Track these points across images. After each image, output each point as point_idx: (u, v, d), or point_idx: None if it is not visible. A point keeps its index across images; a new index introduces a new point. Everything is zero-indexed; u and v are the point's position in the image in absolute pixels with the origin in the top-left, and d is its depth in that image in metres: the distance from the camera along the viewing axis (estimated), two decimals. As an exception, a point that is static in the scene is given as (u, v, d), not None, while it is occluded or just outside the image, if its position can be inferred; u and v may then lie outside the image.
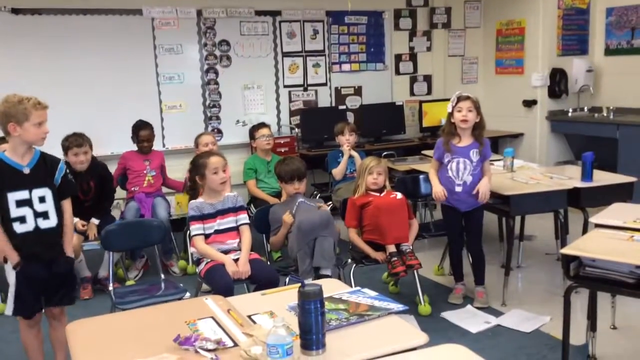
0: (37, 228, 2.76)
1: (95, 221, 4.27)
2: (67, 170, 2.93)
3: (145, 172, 4.86)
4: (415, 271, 3.73)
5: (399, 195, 3.74)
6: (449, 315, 3.70)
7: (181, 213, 5.29)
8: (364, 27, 6.62)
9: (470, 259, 4.00)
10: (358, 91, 6.66)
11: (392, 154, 5.86)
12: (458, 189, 3.76)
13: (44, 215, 2.78)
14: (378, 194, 3.76)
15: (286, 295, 2.21)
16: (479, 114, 3.75)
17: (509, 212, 3.90)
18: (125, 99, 5.55)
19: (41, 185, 2.77)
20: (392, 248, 3.63)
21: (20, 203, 2.72)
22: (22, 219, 2.73)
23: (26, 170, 2.75)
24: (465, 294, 3.95)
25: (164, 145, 5.73)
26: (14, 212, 2.72)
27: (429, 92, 7.04)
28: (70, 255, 2.92)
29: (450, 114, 3.79)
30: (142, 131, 4.89)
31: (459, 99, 3.75)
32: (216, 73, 5.99)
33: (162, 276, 3.59)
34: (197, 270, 3.51)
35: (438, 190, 3.78)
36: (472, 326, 3.51)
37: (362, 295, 2.20)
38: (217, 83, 6.01)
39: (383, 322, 1.97)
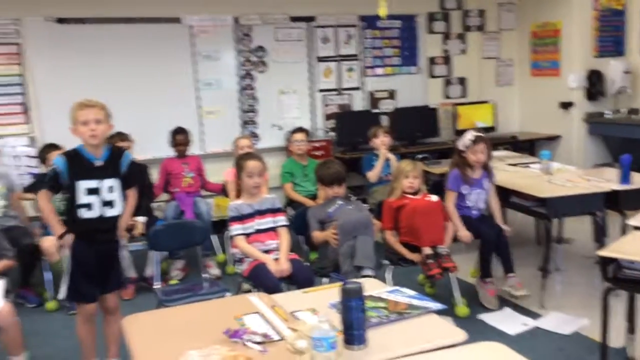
0: (101, 215, 2.92)
1: (141, 219, 4.43)
2: (133, 160, 3.08)
3: (183, 173, 5.06)
4: (452, 273, 3.77)
5: (435, 197, 3.79)
6: (487, 317, 3.71)
7: (220, 215, 5.41)
8: (397, 31, 6.66)
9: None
10: (392, 95, 6.71)
11: (426, 157, 5.88)
12: (474, 213, 4.03)
13: (110, 204, 2.94)
14: (414, 197, 3.81)
15: (327, 294, 2.28)
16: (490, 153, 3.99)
17: (547, 215, 3.91)
18: (165, 105, 5.71)
19: (111, 176, 2.93)
20: (428, 250, 3.67)
21: (89, 191, 2.89)
22: (89, 206, 2.90)
23: (98, 163, 2.92)
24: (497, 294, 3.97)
25: (202, 149, 5.87)
26: (83, 199, 2.89)
27: (464, 94, 7.04)
28: (121, 236, 3.07)
29: (464, 152, 3.95)
30: (178, 135, 5.16)
31: (475, 141, 3.90)
32: (252, 78, 6.12)
33: (204, 275, 3.70)
34: (237, 269, 3.61)
35: (466, 234, 3.90)
36: (510, 328, 3.52)
37: (401, 294, 2.26)
38: (253, 88, 6.13)
39: (422, 320, 2.03)
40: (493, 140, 6.17)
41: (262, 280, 3.28)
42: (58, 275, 4.03)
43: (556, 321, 3.59)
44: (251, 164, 3.53)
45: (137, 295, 4.33)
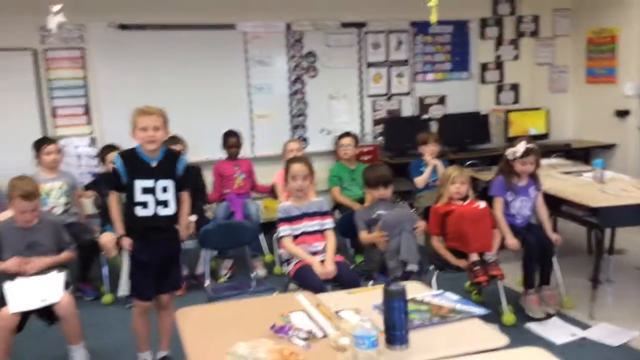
0: (155, 214, 3.05)
1: (192, 217, 4.58)
2: (188, 165, 3.21)
3: (235, 175, 5.20)
4: (499, 281, 3.75)
5: (483, 204, 3.78)
6: (534, 326, 3.68)
7: (268, 217, 5.53)
8: (449, 37, 6.64)
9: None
10: (442, 100, 6.69)
11: (475, 163, 5.85)
12: (519, 221, 4.00)
13: (164, 203, 3.07)
14: (461, 202, 3.81)
15: (371, 295, 2.33)
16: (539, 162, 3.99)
17: (598, 225, 3.84)
18: (218, 108, 5.87)
19: (165, 177, 3.07)
20: (474, 257, 3.67)
21: (145, 190, 3.03)
22: (144, 204, 3.04)
23: (154, 164, 3.06)
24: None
25: (253, 152, 6.01)
26: (139, 197, 3.03)
27: (516, 101, 6.95)
28: (183, 239, 3.20)
29: (512, 161, 3.93)
30: (230, 138, 5.31)
31: (526, 154, 3.89)
32: (303, 83, 6.22)
33: (252, 274, 3.80)
34: (285, 270, 3.70)
35: (514, 242, 3.86)
36: (557, 337, 3.48)
37: (445, 298, 2.29)
38: (303, 93, 6.23)
39: (464, 324, 2.05)
40: (546, 147, 6.10)
41: (306, 281, 3.35)
42: (115, 270, 4.21)
43: (605, 332, 3.52)
44: (295, 167, 3.63)
45: (187, 292, 4.48)
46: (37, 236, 3.27)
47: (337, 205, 5.25)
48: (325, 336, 1.90)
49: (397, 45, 6.47)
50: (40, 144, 4.61)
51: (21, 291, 3.02)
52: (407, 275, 3.54)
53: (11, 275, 3.18)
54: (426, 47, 6.59)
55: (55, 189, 4.52)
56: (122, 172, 3.04)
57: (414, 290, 2.36)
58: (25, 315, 3.03)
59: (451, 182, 3.83)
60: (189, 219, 4.55)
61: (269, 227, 4.98)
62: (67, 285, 3.21)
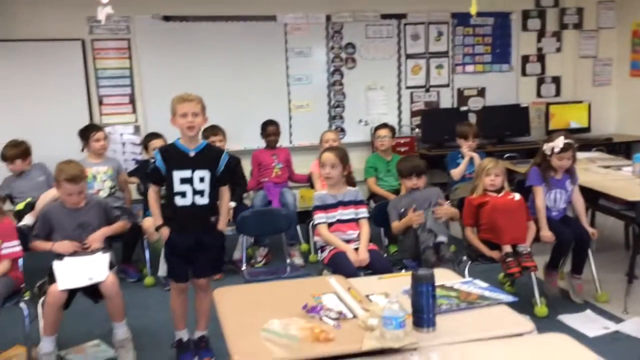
0: (193, 203, 3.16)
1: (231, 204, 4.71)
2: (230, 160, 3.30)
3: (273, 164, 5.30)
4: (532, 273, 3.76)
5: (517, 196, 3.78)
6: (566, 318, 3.68)
7: (305, 206, 5.63)
8: (490, 29, 6.59)
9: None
10: (481, 92, 6.65)
11: (514, 156, 5.82)
12: (554, 214, 3.99)
13: (201, 193, 3.18)
14: (496, 194, 3.82)
15: (401, 280, 2.39)
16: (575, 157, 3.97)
17: (635, 219, 3.81)
18: (258, 99, 5.99)
19: (202, 168, 3.16)
20: (508, 248, 3.68)
21: (183, 180, 3.15)
22: (183, 194, 3.15)
23: (192, 154, 3.17)
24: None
25: (291, 142, 6.11)
26: (177, 187, 3.15)
27: (557, 94, 6.86)
28: (222, 230, 3.31)
29: (549, 155, 3.93)
30: (269, 127, 5.40)
31: (564, 149, 3.87)
32: (341, 74, 6.28)
33: (288, 260, 3.91)
34: (319, 257, 3.79)
35: (548, 235, 3.85)
36: (590, 330, 3.47)
37: (474, 285, 2.34)
38: (341, 84, 6.29)
39: (492, 310, 2.10)
40: (586, 141, 6.03)
41: (340, 268, 3.42)
42: (156, 253, 4.37)
43: (639, 326, 3.50)
44: (324, 156, 3.74)
45: (225, 276, 4.60)
46: (86, 217, 3.43)
47: (372, 196, 5.31)
48: (354, 317, 1.97)
49: (437, 36, 6.46)
50: (89, 131, 4.80)
51: (69, 270, 3.18)
52: (438, 246, 3.63)
53: (60, 255, 3.35)
54: (466, 38, 6.56)
55: (101, 173, 4.71)
56: (161, 166, 3.16)
57: (445, 277, 2.41)
58: (72, 293, 3.18)
59: (486, 174, 3.85)
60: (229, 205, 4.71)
61: (306, 216, 5.08)
62: (111, 266, 3.36)
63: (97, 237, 3.45)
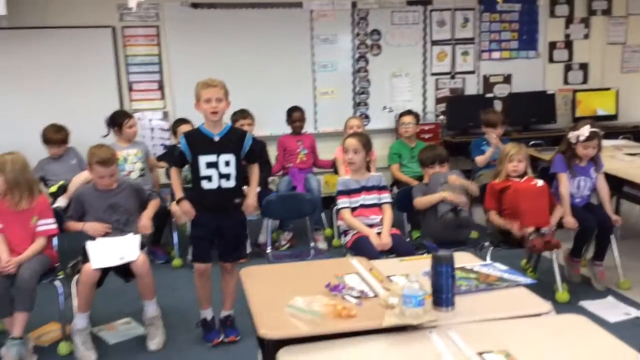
0: (219, 187, 3.25)
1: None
2: (254, 141, 3.39)
3: (298, 150, 5.37)
4: (555, 258, 3.78)
5: (540, 182, 3.80)
6: (588, 304, 3.70)
7: (329, 191, 5.69)
8: (517, 15, 6.54)
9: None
10: (507, 79, 6.62)
11: (539, 143, 5.80)
12: (578, 200, 4.00)
13: (227, 177, 3.26)
14: (518, 180, 3.84)
15: (422, 263, 2.44)
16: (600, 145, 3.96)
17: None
18: (283, 85, 6.04)
19: (227, 151, 3.24)
20: (530, 229, 3.69)
21: (209, 165, 3.23)
22: (209, 178, 3.24)
23: (216, 138, 3.25)
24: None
25: (315, 128, 6.17)
26: (204, 172, 3.24)
27: (585, 80, 6.79)
28: (249, 214, 3.39)
29: (574, 143, 3.92)
30: (294, 113, 5.47)
31: (590, 138, 3.86)
32: (366, 61, 6.30)
33: (312, 244, 3.99)
34: (342, 241, 3.86)
35: (571, 221, 3.86)
36: (611, 316, 3.49)
37: (493, 268, 2.39)
38: (366, 71, 6.32)
39: (510, 291, 2.15)
40: (614, 129, 5.98)
41: (363, 251, 3.48)
42: (184, 236, 4.49)
43: (661, 313, 3.51)
44: (348, 141, 3.80)
45: (250, 259, 4.70)
46: (117, 198, 3.54)
47: (396, 182, 5.35)
48: (375, 296, 2.04)
49: (463, 22, 6.43)
50: (122, 118, 4.93)
51: (102, 250, 3.31)
52: (457, 212, 3.70)
53: (92, 235, 3.47)
54: (493, 25, 6.52)
55: (132, 155, 4.85)
56: (186, 151, 3.25)
57: (465, 259, 2.47)
58: (105, 272, 3.31)
59: (509, 159, 3.86)
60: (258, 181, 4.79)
61: (330, 202, 5.14)
62: (142, 246, 3.48)
63: (146, 223, 3.57)
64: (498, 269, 2.36)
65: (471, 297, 2.09)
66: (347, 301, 1.98)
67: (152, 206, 3.67)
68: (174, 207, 4.63)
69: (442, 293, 1.96)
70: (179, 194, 3.34)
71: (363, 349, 1.74)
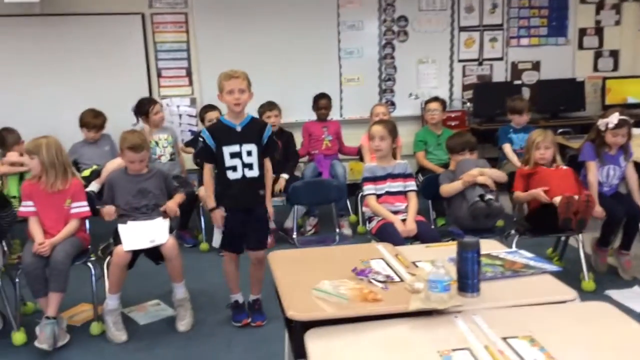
0: (244, 176, 3.30)
1: (285, 176, 4.86)
2: (272, 134, 3.41)
3: (323, 137, 5.41)
4: (581, 247, 3.77)
5: (565, 167, 3.80)
6: (614, 293, 3.68)
7: (354, 178, 5.72)
8: (547, 1, 6.45)
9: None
10: (536, 66, 6.54)
11: (568, 131, 5.74)
12: (606, 189, 3.95)
13: (250, 166, 3.31)
14: (546, 167, 3.83)
15: (448, 249, 2.46)
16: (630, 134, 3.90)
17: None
18: (309, 72, 6.07)
19: (249, 141, 3.29)
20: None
21: (233, 155, 3.28)
22: (234, 168, 3.29)
23: (238, 129, 3.30)
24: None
25: (341, 115, 6.18)
26: (228, 162, 3.29)
27: (615, 68, 6.67)
28: (268, 207, 3.42)
29: (603, 131, 3.88)
30: (321, 100, 5.50)
31: (619, 125, 3.81)
32: (393, 48, 6.29)
33: (337, 230, 4.03)
34: (367, 228, 3.89)
35: (599, 210, 3.79)
36: (637, 305, 3.46)
37: (519, 255, 2.39)
38: (393, 57, 6.30)
39: (536, 278, 2.15)
40: (644, 116, 5.87)
41: (388, 238, 3.50)
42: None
43: (689, 303, 3.48)
44: (374, 128, 3.82)
45: (276, 244, 4.76)
46: (147, 184, 3.61)
47: (421, 169, 5.35)
48: (401, 281, 2.07)
49: (491, 8, 6.37)
50: (148, 105, 5.01)
51: (133, 232, 3.39)
52: (488, 201, 3.68)
53: (124, 219, 3.55)
54: (522, 11, 6.44)
55: (162, 139, 4.96)
56: (211, 144, 3.29)
57: (490, 247, 2.48)
58: (135, 254, 3.39)
59: (535, 147, 3.84)
60: (282, 176, 4.85)
61: (355, 188, 5.18)
62: (171, 230, 3.56)
63: (173, 206, 3.60)
64: (524, 257, 2.36)
65: (496, 284, 2.10)
66: (373, 285, 2.01)
67: (177, 197, 3.72)
68: (201, 192, 4.72)
69: (468, 279, 1.98)
70: (211, 202, 3.36)
71: (389, 332, 1.77)
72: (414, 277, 2.06)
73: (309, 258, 2.43)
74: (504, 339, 1.70)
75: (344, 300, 1.87)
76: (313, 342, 1.72)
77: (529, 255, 2.39)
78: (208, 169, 3.37)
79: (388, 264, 2.25)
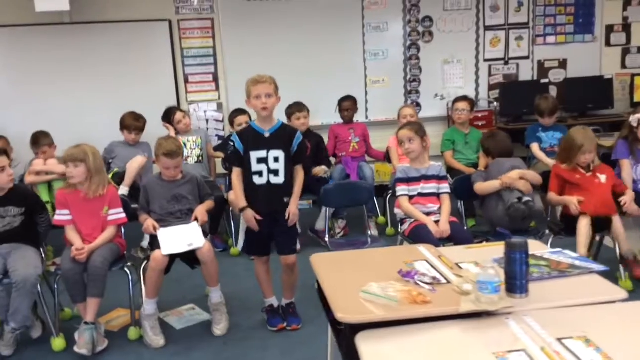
0: (268, 182, 3.30)
1: (324, 168, 4.90)
2: (303, 140, 3.40)
3: (350, 138, 5.40)
4: (617, 247, 3.72)
5: (603, 178, 3.73)
6: (653, 293, 3.63)
7: (380, 180, 5.72)
8: (573, -2, 6.40)
9: None
10: (563, 64, 6.48)
11: (597, 129, 5.66)
12: None
13: (275, 172, 3.30)
14: (584, 172, 3.77)
15: (488, 250, 2.45)
16: None
17: None
18: (334, 74, 6.07)
19: (277, 148, 3.29)
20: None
21: (259, 160, 3.29)
22: (259, 174, 3.30)
23: (267, 135, 3.31)
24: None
25: (367, 117, 6.18)
26: (255, 167, 3.30)
27: (644, 64, 6.59)
28: (293, 211, 3.37)
29: (635, 127, 3.85)
30: (344, 102, 5.50)
31: None
32: (418, 48, 6.27)
33: (369, 232, 4.02)
34: (400, 230, 3.87)
35: (635, 209, 3.75)
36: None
37: (564, 255, 2.37)
38: (418, 58, 6.28)
39: (583, 278, 2.13)
40: (675, 113, 5.77)
41: (422, 239, 3.49)
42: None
43: None
44: (400, 133, 3.83)
45: (308, 246, 4.74)
46: (181, 189, 3.64)
47: (449, 170, 5.31)
48: (448, 282, 2.06)
49: (517, 7, 6.32)
50: (170, 114, 5.09)
51: (171, 237, 3.41)
52: (525, 204, 3.64)
53: (159, 224, 3.57)
54: (548, 9, 6.39)
55: (191, 142, 5.01)
56: (240, 148, 3.30)
57: (533, 247, 2.44)
58: (172, 259, 3.42)
59: (581, 152, 3.74)
60: (322, 168, 4.87)
61: (381, 190, 5.17)
62: (205, 235, 3.57)
63: (203, 211, 3.62)
64: (569, 257, 2.33)
65: (543, 284, 2.08)
66: (420, 287, 2.00)
67: (207, 204, 3.73)
68: (231, 197, 4.75)
69: (516, 280, 1.96)
70: (242, 201, 3.35)
71: (441, 334, 1.76)
72: (461, 278, 2.05)
73: (350, 260, 2.43)
74: (559, 339, 1.68)
75: (394, 303, 1.86)
76: (365, 344, 1.72)
77: (574, 255, 2.36)
78: (237, 172, 3.38)
79: (432, 266, 2.24)
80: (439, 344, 1.72)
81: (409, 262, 2.26)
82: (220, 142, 5.71)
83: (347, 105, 5.49)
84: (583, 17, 6.45)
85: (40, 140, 4.78)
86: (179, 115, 5.09)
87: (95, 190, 3.44)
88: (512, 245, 1.97)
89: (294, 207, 3.39)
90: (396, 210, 3.94)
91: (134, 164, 4.65)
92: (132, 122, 4.96)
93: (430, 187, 3.76)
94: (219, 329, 3.49)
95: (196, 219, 3.56)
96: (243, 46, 5.90)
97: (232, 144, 3.36)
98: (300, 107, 5.03)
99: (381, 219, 5.35)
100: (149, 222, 3.51)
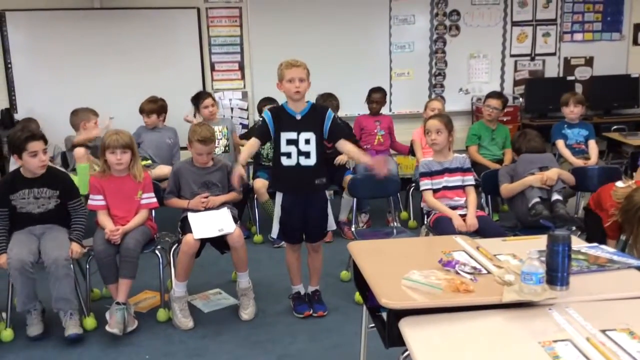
0: (298, 164, 3.31)
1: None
2: (334, 116, 3.42)
3: (375, 131, 5.39)
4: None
5: None
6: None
7: (402, 173, 5.71)
8: (602, -5, 6.36)
9: None
10: (589, 62, 6.44)
11: (622, 128, 5.64)
12: None
13: (306, 154, 3.31)
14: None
15: (525, 243, 2.46)
16: None
17: None
18: (360, 66, 6.09)
19: (308, 130, 3.30)
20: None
21: (289, 142, 3.30)
22: (288, 155, 3.31)
23: (298, 117, 3.32)
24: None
25: (390, 110, 6.18)
26: (284, 148, 3.31)
27: (672, 63, 6.54)
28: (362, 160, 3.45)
29: None
30: (374, 94, 5.48)
31: None
32: (444, 42, 6.26)
33: (394, 224, 4.04)
34: (426, 221, 3.89)
35: None
36: None
37: (601, 250, 2.37)
38: (444, 52, 6.27)
39: (622, 272, 2.14)
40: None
41: (442, 230, 3.50)
42: (267, 212, 4.62)
43: None
44: (430, 122, 3.81)
45: (334, 238, 4.75)
46: (211, 176, 3.69)
47: (473, 164, 5.28)
48: (488, 273, 2.07)
49: (545, 3, 6.28)
50: (199, 98, 5.09)
51: (202, 221, 3.46)
52: (554, 203, 3.63)
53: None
54: (576, 6, 6.36)
55: (217, 132, 5.01)
56: (270, 125, 3.31)
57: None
58: (202, 243, 3.47)
59: None
60: (343, 156, 4.80)
61: (404, 184, 5.17)
62: (235, 221, 3.61)
63: (216, 202, 3.65)
64: (606, 251, 2.34)
65: (582, 278, 2.09)
66: (462, 276, 2.02)
67: (230, 196, 3.75)
68: (256, 185, 4.79)
69: (558, 272, 1.97)
70: (240, 167, 3.32)
71: (485, 323, 1.78)
72: (502, 269, 2.06)
73: (387, 249, 2.45)
74: (602, 331, 1.70)
75: (439, 290, 1.88)
76: (410, 329, 1.75)
77: (611, 249, 2.37)
78: (253, 140, 3.38)
79: (470, 256, 2.25)
80: (482, 331, 1.74)
81: (447, 252, 2.27)
82: (245, 131, 5.74)
83: (377, 97, 5.45)
84: (611, 15, 6.41)
85: (78, 114, 4.68)
86: (208, 101, 5.06)
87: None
88: (555, 238, 1.98)
89: (366, 159, 3.43)
90: (422, 204, 3.94)
91: (163, 170, 4.63)
92: (145, 105, 4.98)
93: (455, 179, 3.75)
94: (247, 313, 3.53)
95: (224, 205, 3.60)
96: (270, 36, 5.92)
97: (261, 119, 3.38)
98: (330, 97, 4.99)
99: (403, 214, 5.36)
100: (196, 202, 3.55)
